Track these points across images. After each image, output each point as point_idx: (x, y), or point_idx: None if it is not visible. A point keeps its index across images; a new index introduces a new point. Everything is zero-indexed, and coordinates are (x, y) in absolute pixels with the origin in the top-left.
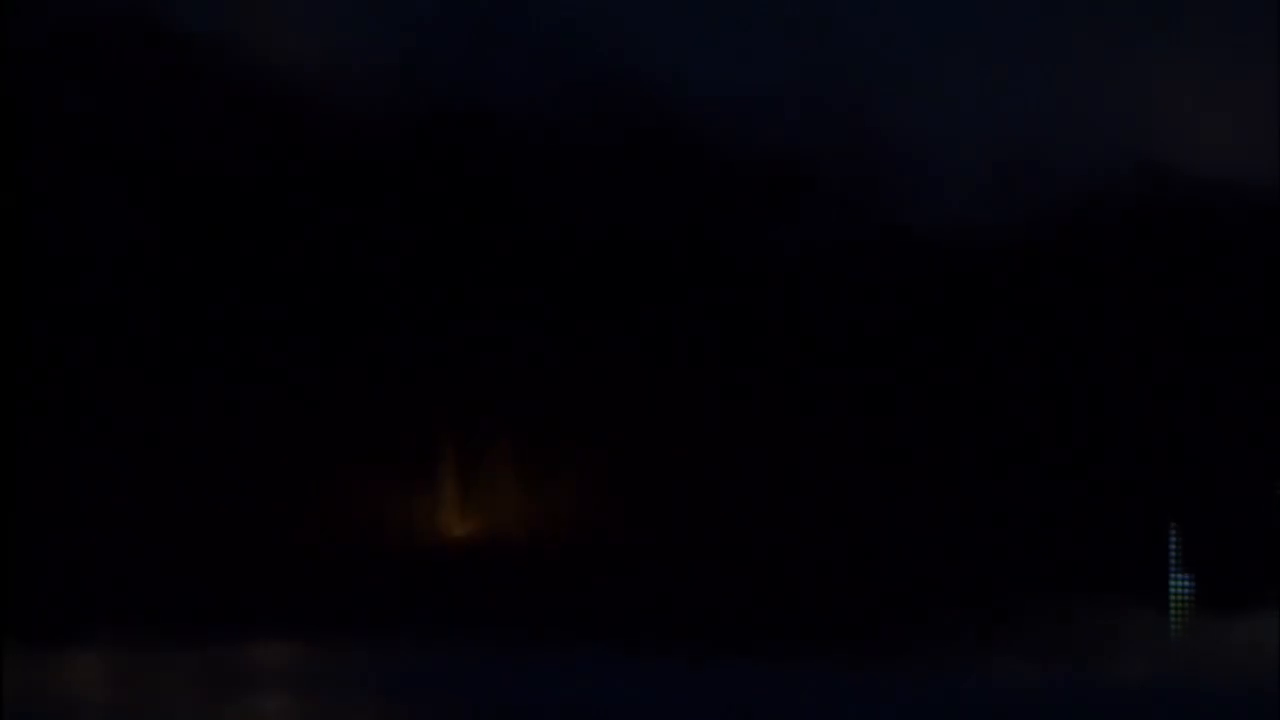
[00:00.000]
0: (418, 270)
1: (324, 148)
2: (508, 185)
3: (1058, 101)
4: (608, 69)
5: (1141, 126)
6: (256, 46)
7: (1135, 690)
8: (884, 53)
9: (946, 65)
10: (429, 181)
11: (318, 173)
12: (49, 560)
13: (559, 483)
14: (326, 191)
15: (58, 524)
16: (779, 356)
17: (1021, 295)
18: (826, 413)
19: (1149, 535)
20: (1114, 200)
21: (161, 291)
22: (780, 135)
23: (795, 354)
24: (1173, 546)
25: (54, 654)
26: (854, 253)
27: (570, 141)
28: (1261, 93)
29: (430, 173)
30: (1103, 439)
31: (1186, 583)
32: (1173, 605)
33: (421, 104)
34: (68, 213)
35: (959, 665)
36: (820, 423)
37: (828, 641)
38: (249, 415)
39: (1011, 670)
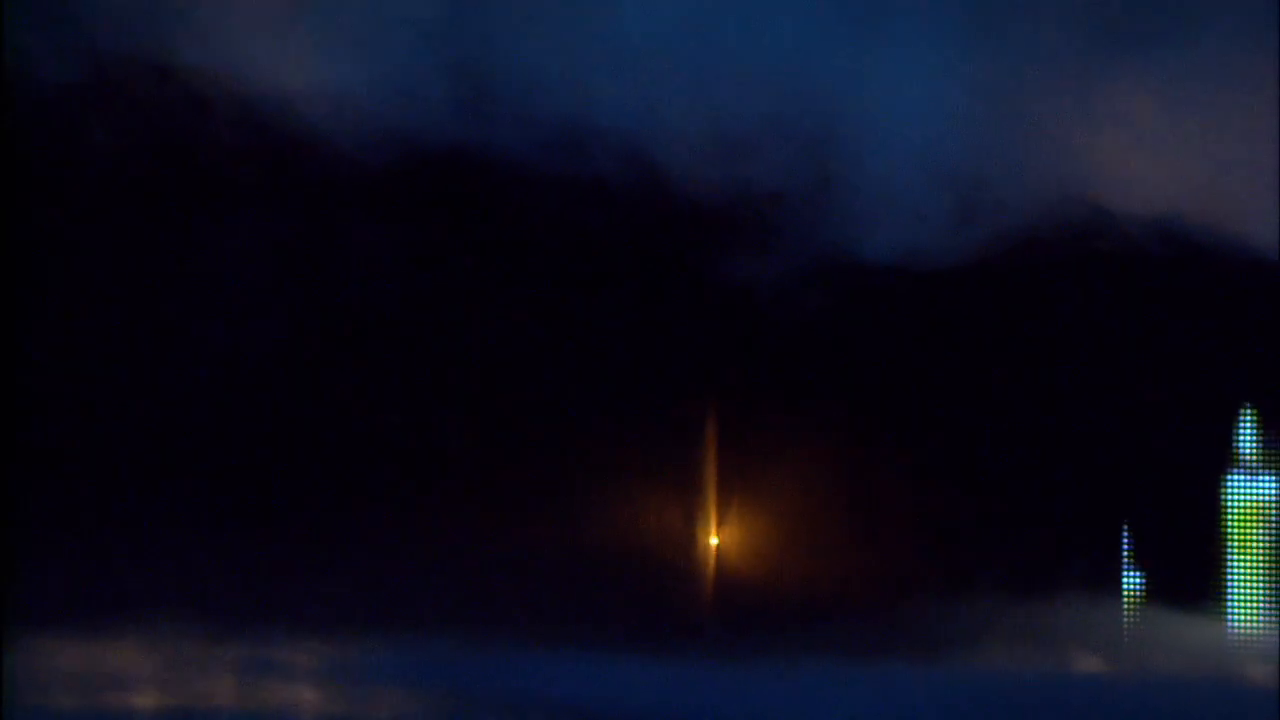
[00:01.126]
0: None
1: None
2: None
3: (1011, 138)
4: (580, 117)
5: (1089, 163)
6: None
7: (1093, 680)
8: (840, 96)
9: (903, 105)
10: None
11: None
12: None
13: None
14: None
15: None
16: (745, 386)
17: (978, 317)
18: (796, 430)
19: (1104, 536)
20: (1064, 228)
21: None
22: (742, 174)
23: (762, 382)
24: (1125, 546)
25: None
26: (812, 282)
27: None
28: (1212, 133)
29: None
30: (1060, 450)
31: (1139, 579)
32: (1126, 600)
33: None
34: (78, 227)
35: (925, 659)
36: (789, 439)
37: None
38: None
39: (975, 662)
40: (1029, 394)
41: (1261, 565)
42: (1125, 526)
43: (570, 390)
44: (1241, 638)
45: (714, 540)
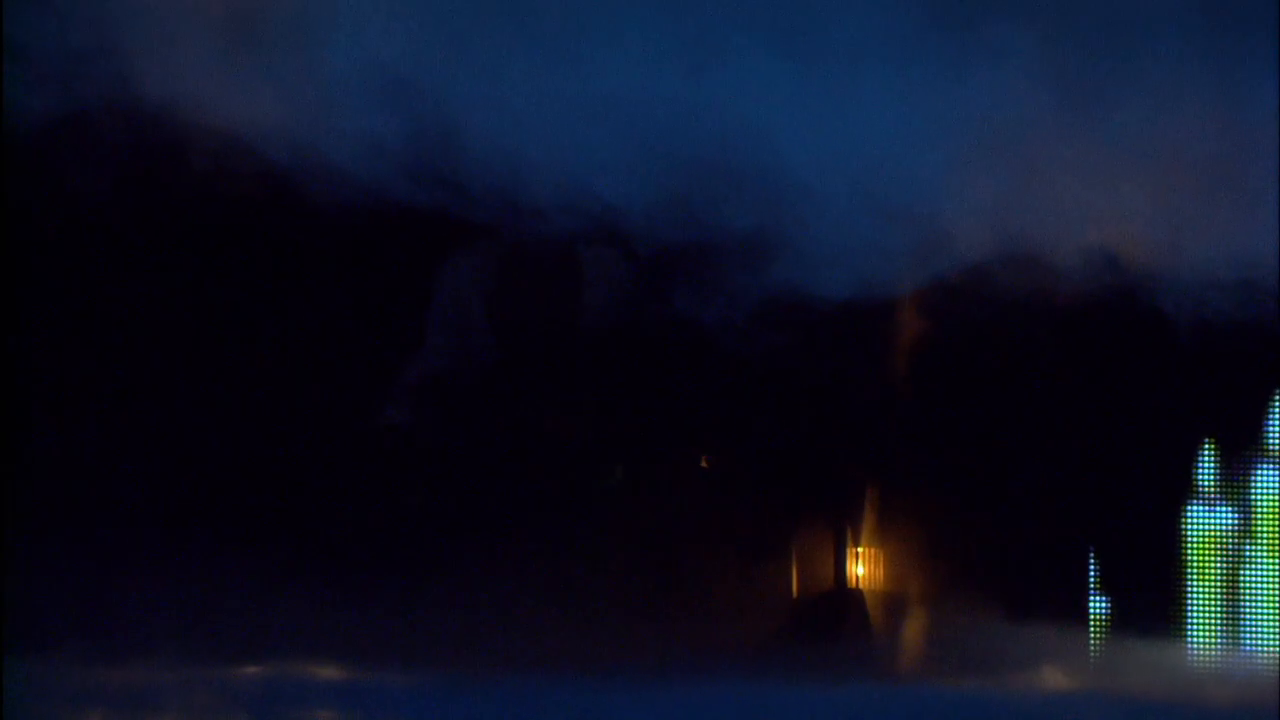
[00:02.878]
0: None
1: None
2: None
3: (967, 179)
4: (541, 174)
5: (1044, 203)
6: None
7: (1060, 699)
8: (799, 143)
9: (860, 149)
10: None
11: None
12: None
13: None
14: None
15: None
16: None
17: (945, 346)
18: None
19: (1071, 561)
20: (1023, 266)
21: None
22: (697, 224)
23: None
24: (1092, 571)
25: None
26: (768, 322)
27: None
28: (1166, 174)
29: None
30: (1029, 482)
31: (1104, 603)
32: (1092, 624)
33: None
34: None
35: (901, 680)
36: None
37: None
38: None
39: (949, 683)
40: (996, 428)
41: (1220, 591)
42: (1091, 554)
43: (542, 436)
44: (1201, 659)
45: None
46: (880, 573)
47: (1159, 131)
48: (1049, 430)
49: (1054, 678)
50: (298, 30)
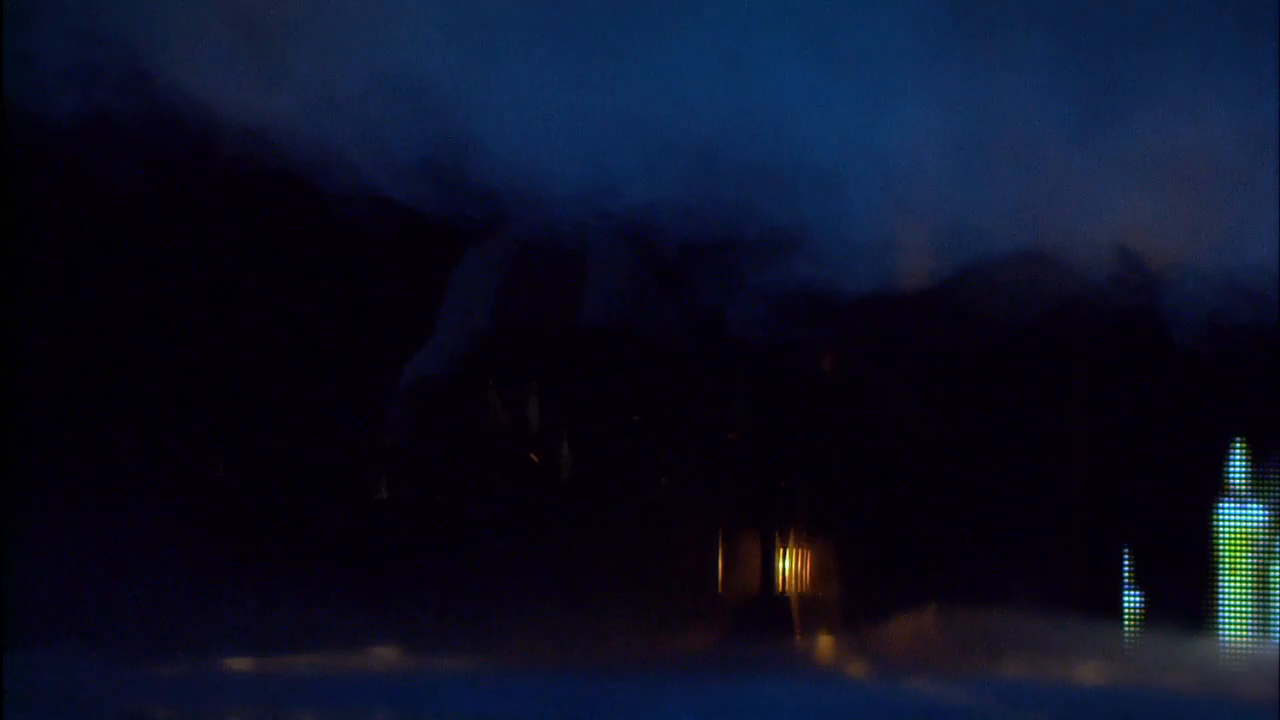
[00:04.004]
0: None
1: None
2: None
3: (989, 174)
4: (559, 182)
5: (1067, 198)
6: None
7: (1096, 691)
8: (820, 139)
9: (880, 146)
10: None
11: None
12: None
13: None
14: None
15: None
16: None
17: (975, 345)
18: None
19: (1105, 558)
20: (1050, 262)
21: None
22: (724, 220)
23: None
24: (1126, 568)
25: None
26: (787, 318)
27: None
28: (1192, 169)
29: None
30: (1064, 477)
31: (1138, 599)
32: (1126, 618)
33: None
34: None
35: (940, 672)
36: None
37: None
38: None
39: (985, 676)
40: (1031, 427)
41: (1250, 586)
42: (1126, 551)
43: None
44: (1233, 653)
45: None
46: (917, 568)
47: (1190, 132)
48: (1083, 430)
49: (1090, 670)
50: (318, 31)
